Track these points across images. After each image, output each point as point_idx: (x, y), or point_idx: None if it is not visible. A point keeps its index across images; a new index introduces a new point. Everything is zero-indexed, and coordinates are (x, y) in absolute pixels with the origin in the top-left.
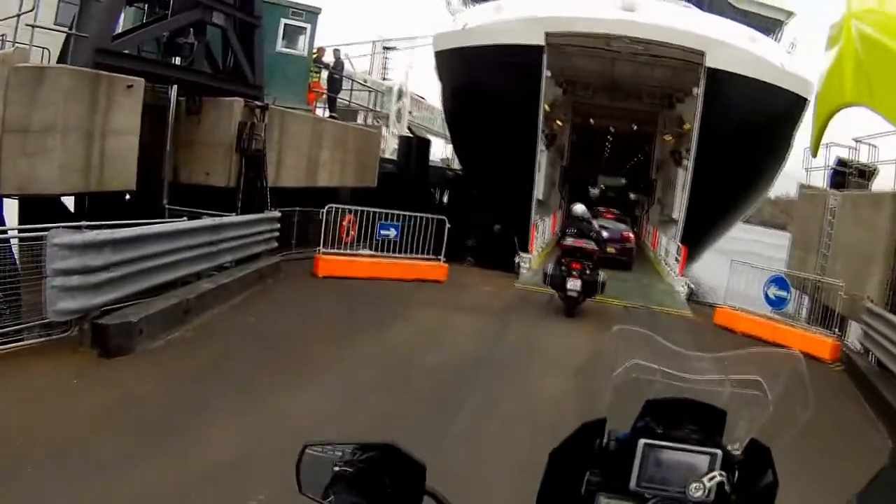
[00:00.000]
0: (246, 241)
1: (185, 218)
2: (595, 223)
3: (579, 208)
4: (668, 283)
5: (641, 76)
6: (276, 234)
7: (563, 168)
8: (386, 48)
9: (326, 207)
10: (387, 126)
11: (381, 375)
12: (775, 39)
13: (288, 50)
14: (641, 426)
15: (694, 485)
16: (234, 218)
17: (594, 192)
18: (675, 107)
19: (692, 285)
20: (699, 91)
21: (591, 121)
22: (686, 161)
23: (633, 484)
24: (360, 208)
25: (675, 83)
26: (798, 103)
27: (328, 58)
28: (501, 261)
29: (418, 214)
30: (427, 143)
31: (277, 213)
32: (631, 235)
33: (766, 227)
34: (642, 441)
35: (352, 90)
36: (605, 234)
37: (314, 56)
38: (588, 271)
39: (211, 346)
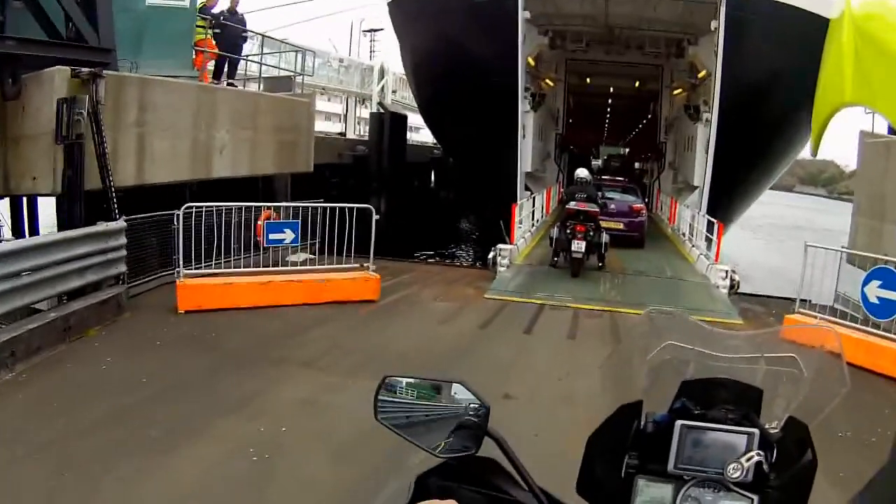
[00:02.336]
0: (40, 276)
1: None
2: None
3: (582, 172)
4: (700, 275)
5: (643, 17)
6: (119, 254)
7: (558, 136)
8: (369, 31)
9: (184, 208)
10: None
11: None
12: None
13: (162, 1)
14: (678, 407)
15: (732, 465)
16: None
17: (596, 162)
18: (684, 54)
19: (735, 276)
20: (719, 23)
21: (588, 80)
22: (707, 114)
23: (671, 466)
24: (232, 205)
25: (685, 22)
26: None
27: (220, 7)
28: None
29: (328, 205)
30: (403, 118)
31: (116, 225)
32: (642, 207)
33: (771, 189)
34: (679, 422)
35: (262, 53)
36: (611, 206)
37: (200, 5)
38: (592, 233)
39: None
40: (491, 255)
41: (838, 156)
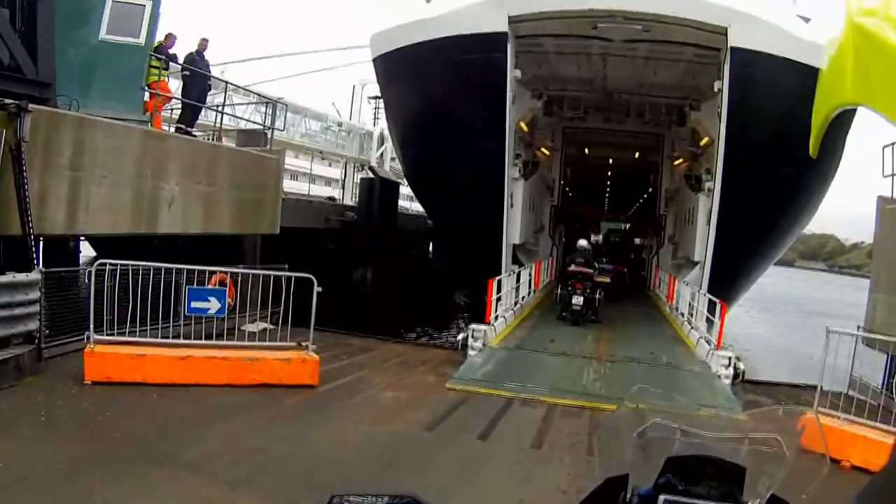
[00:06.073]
0: None
1: None
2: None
3: (583, 242)
4: (700, 362)
5: (642, 81)
6: (29, 310)
7: (553, 208)
8: (374, 97)
9: (96, 265)
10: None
11: None
12: None
13: (116, 37)
14: (663, 482)
15: None
16: None
17: (596, 238)
18: (686, 121)
19: (739, 364)
20: (723, 83)
21: (587, 151)
22: (709, 183)
23: None
24: (151, 265)
25: (687, 85)
26: None
27: (178, 48)
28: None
29: (265, 272)
30: (395, 185)
31: (26, 277)
32: (623, 267)
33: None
34: (663, 497)
35: (225, 102)
36: (606, 268)
37: (157, 45)
38: (588, 291)
39: None
40: (461, 336)
41: (840, 230)
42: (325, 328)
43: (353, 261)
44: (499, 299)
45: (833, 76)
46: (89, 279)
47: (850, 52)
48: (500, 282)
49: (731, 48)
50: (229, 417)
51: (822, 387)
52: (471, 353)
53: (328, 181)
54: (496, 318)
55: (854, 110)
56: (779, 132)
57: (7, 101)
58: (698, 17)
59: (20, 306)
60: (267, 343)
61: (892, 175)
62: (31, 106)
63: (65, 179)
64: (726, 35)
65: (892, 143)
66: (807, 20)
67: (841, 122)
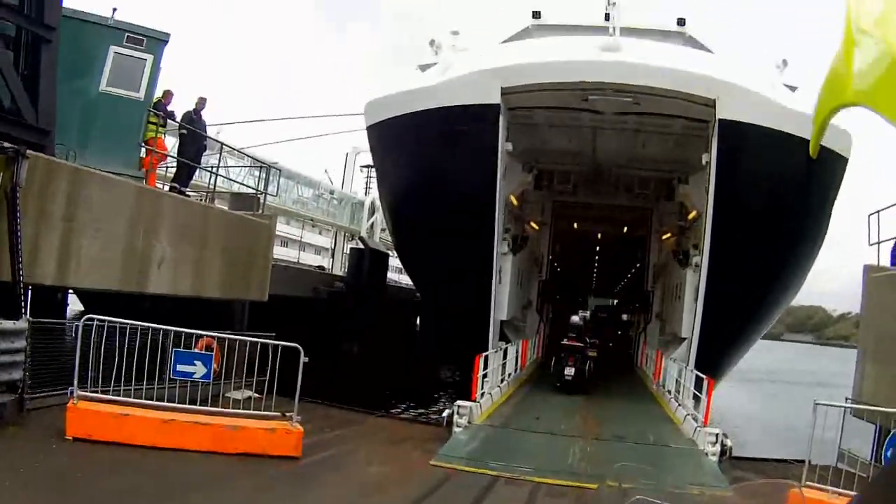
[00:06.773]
0: None
1: None
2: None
3: (575, 318)
4: (687, 439)
5: (631, 154)
6: (13, 358)
7: (541, 283)
8: (366, 166)
9: (83, 320)
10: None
11: None
12: None
13: (117, 90)
14: None
15: None
16: None
17: (584, 314)
18: (674, 196)
19: (727, 440)
20: (711, 155)
21: (576, 225)
22: (696, 258)
23: None
24: (139, 324)
25: (675, 158)
26: (837, 165)
27: (177, 105)
28: None
29: (252, 339)
30: (384, 256)
31: (13, 325)
32: (598, 342)
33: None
34: None
35: (220, 164)
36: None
37: (155, 101)
38: (579, 364)
39: None
40: (446, 412)
41: (826, 301)
42: (311, 399)
43: (341, 332)
44: (485, 376)
45: (833, 76)
46: (76, 334)
47: (851, 51)
48: (486, 358)
49: (719, 120)
50: (210, 485)
51: (809, 461)
52: (456, 429)
53: (318, 249)
54: (482, 394)
55: (838, 184)
56: (767, 205)
57: (5, 144)
58: (687, 89)
59: (5, 354)
60: (251, 411)
61: (878, 243)
62: (28, 152)
63: (57, 230)
64: (715, 107)
65: (878, 212)
66: (793, 89)
67: (827, 195)
